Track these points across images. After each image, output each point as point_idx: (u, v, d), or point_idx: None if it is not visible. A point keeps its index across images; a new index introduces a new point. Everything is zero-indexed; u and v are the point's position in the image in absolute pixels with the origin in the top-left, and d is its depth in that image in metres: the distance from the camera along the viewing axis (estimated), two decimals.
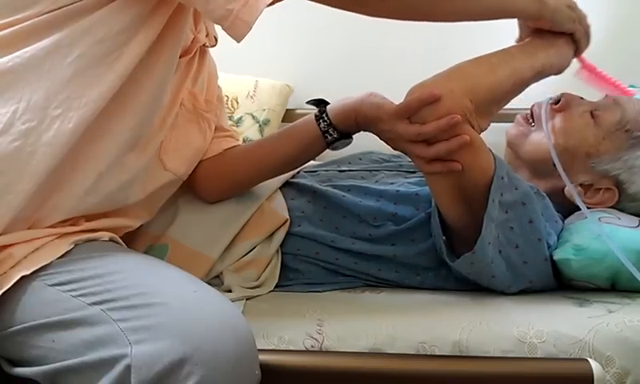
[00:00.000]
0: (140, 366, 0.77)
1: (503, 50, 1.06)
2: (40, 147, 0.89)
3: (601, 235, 1.05)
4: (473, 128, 1.00)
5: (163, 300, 0.83)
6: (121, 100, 0.93)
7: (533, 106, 1.26)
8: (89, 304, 0.84)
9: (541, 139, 1.21)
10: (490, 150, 1.05)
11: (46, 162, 0.89)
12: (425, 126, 0.98)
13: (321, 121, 1.12)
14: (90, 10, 0.90)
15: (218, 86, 1.24)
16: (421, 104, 0.98)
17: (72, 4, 0.89)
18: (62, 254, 0.91)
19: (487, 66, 1.03)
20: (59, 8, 0.89)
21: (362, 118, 1.09)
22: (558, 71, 1.08)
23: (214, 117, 1.20)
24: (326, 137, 1.12)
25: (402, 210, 1.16)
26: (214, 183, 1.19)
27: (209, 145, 1.19)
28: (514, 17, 1.05)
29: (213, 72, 1.23)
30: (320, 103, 1.14)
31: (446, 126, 0.97)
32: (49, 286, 0.87)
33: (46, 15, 0.89)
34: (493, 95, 1.02)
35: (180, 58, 1.04)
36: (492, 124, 1.80)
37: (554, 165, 1.19)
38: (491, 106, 1.03)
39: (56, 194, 0.92)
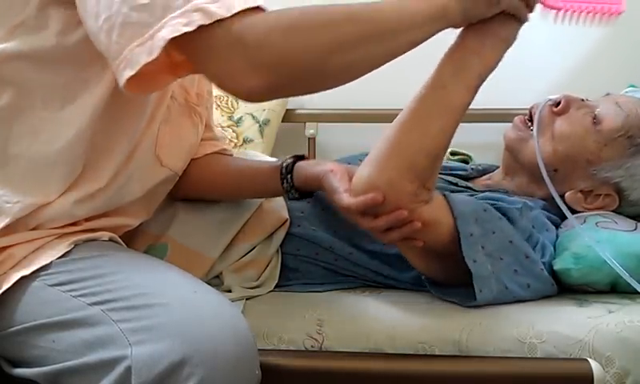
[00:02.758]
0: (140, 368, 0.77)
1: (431, 81, 0.97)
2: (29, 164, 0.91)
3: (593, 246, 1.04)
4: (424, 200, 0.98)
5: (163, 301, 0.83)
6: (109, 119, 0.93)
7: (532, 107, 1.23)
8: (89, 304, 0.84)
9: (542, 143, 1.18)
10: (449, 203, 1.01)
11: (37, 179, 0.91)
12: (375, 221, 0.97)
13: (285, 181, 1.12)
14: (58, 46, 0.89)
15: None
16: (366, 207, 0.97)
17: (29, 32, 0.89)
18: (61, 254, 0.91)
19: (418, 127, 0.97)
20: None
21: (324, 191, 1.09)
22: (504, 53, 0.98)
23: (205, 110, 1.19)
24: (288, 195, 1.14)
25: None
26: (182, 183, 1.16)
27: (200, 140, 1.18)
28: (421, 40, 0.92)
29: None
30: (294, 158, 1.13)
31: (395, 221, 0.96)
32: (48, 286, 0.87)
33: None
34: (433, 156, 0.98)
35: None
36: (490, 124, 1.81)
37: (555, 170, 1.18)
38: (435, 163, 0.98)
39: (53, 204, 0.93)
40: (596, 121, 1.18)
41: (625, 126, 1.17)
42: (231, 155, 1.26)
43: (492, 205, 1.09)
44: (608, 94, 1.25)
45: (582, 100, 1.23)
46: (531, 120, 1.23)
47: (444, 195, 1.03)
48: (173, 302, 0.83)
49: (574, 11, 1.01)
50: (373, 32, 0.86)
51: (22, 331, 0.87)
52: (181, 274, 0.91)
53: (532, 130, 1.20)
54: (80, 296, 0.85)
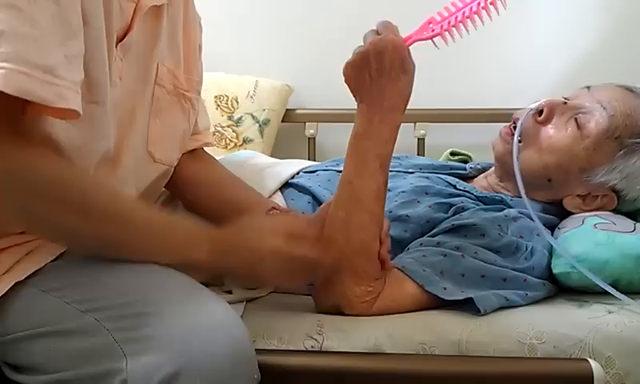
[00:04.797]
0: (136, 381, 0.76)
1: (341, 179, 1.02)
2: None
3: (573, 263, 1.04)
4: (379, 291, 1.01)
5: (157, 308, 0.81)
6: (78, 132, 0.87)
7: (515, 117, 1.21)
8: (82, 311, 0.82)
9: (531, 156, 1.18)
10: (407, 273, 1.03)
11: None
12: None
13: None
14: None
15: (200, 61, 1.15)
16: None
17: None
18: (55, 257, 0.90)
19: (341, 233, 1.00)
20: None
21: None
22: (400, 115, 1.00)
23: (196, 95, 1.13)
24: None
25: (390, 230, 1.11)
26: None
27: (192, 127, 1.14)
28: None
29: (192, 37, 1.11)
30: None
31: None
32: (42, 291, 0.86)
33: None
34: (367, 252, 1.00)
35: (121, 40, 0.93)
36: (490, 124, 1.81)
37: (549, 179, 1.18)
38: (372, 256, 1.01)
39: None
40: (581, 126, 1.16)
41: (611, 128, 1.15)
42: (211, 145, 1.24)
43: (472, 225, 1.10)
44: (588, 88, 1.22)
45: (565, 102, 1.20)
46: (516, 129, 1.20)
47: (398, 268, 1.04)
48: (167, 310, 0.81)
49: (449, 28, 1.00)
50: (103, 243, 0.86)
51: (19, 339, 0.85)
52: (176, 276, 0.88)
53: (520, 141, 1.18)
54: (74, 302, 0.84)
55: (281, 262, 0.92)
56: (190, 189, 1.18)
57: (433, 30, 1.00)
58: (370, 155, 1.00)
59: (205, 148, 1.24)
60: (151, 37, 1.00)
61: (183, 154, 1.15)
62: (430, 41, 1.00)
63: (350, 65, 0.99)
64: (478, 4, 0.98)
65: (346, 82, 1.01)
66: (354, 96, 1.01)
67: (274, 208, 1.14)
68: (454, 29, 0.99)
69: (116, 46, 0.92)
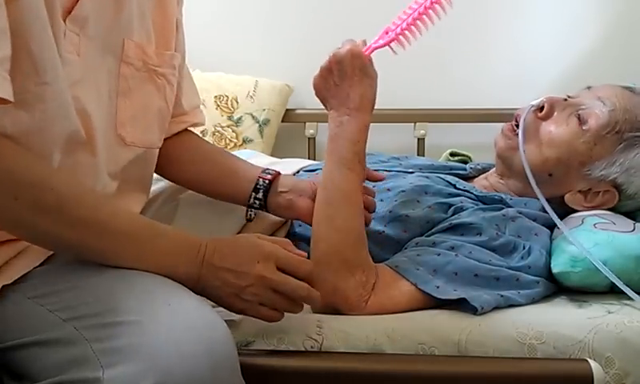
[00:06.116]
0: None
1: (323, 177, 1.07)
2: None
3: (586, 255, 1.04)
4: (372, 285, 1.02)
5: (135, 317, 0.78)
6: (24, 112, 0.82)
7: (517, 114, 1.22)
8: (64, 320, 0.81)
9: (532, 151, 1.19)
10: (400, 272, 1.03)
11: None
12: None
13: (254, 198, 1.14)
14: None
15: (180, 36, 1.09)
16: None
17: None
18: (43, 260, 0.88)
19: (329, 227, 1.03)
20: None
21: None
22: (368, 113, 1.06)
23: (171, 70, 1.05)
24: (247, 212, 1.17)
25: (389, 229, 1.13)
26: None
27: (172, 104, 1.08)
28: None
29: (169, 11, 1.05)
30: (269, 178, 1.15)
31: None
32: (28, 299, 0.85)
33: None
34: (357, 243, 1.03)
35: (71, 12, 0.86)
36: (490, 124, 1.82)
37: (550, 174, 1.19)
38: (362, 246, 1.04)
39: None
40: (582, 121, 1.18)
41: (611, 122, 1.16)
42: (201, 124, 1.22)
43: (469, 224, 1.10)
44: (589, 88, 1.24)
45: (565, 99, 1.22)
46: (518, 126, 1.21)
47: (392, 267, 1.04)
48: (144, 318, 0.77)
49: (403, 32, 1.07)
50: (83, 249, 0.85)
51: (8, 348, 0.84)
52: (157, 281, 0.85)
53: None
54: (56, 310, 0.82)
55: (266, 291, 0.89)
56: (176, 166, 1.17)
57: (389, 37, 1.08)
58: (346, 152, 1.05)
59: (194, 129, 1.21)
60: (111, 9, 0.93)
61: (168, 138, 1.11)
62: (387, 48, 1.08)
63: (317, 78, 1.07)
64: (425, 7, 1.07)
65: (316, 95, 1.08)
66: (325, 106, 1.08)
67: (265, 171, 1.16)
68: (407, 32, 1.07)
69: (65, 19, 0.86)
